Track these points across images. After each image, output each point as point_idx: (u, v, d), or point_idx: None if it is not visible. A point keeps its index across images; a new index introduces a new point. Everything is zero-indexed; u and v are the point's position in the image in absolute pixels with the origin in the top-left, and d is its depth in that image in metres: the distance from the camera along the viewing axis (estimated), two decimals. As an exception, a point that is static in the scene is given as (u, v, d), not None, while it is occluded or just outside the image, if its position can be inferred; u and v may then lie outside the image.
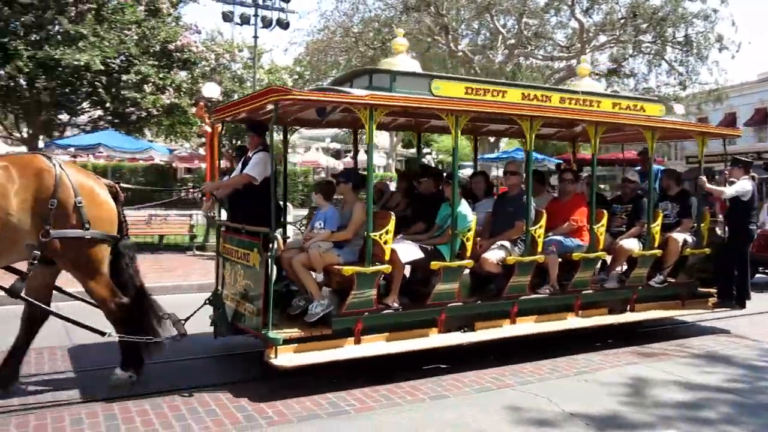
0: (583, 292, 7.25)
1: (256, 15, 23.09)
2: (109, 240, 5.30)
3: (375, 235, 5.85)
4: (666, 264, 7.83)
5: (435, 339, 6.30)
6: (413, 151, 41.75)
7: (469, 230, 6.38)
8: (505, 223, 6.86)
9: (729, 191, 7.97)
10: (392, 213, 6.01)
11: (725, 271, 8.13)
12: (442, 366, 6.23)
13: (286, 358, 5.55)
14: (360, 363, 5.81)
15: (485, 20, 23.55)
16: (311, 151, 37.63)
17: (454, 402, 5.38)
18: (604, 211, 7.32)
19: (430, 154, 45.46)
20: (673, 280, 8.04)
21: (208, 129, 7.00)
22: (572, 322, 7.14)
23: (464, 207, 6.35)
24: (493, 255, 6.60)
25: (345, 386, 5.60)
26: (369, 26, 24.48)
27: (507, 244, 6.71)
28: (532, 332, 6.81)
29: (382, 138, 40.26)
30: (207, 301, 6.23)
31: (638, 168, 9.10)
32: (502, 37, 23.07)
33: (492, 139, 22.00)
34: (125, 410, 4.95)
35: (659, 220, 7.56)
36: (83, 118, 17.82)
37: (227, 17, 22.53)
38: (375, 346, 5.99)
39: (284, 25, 23.45)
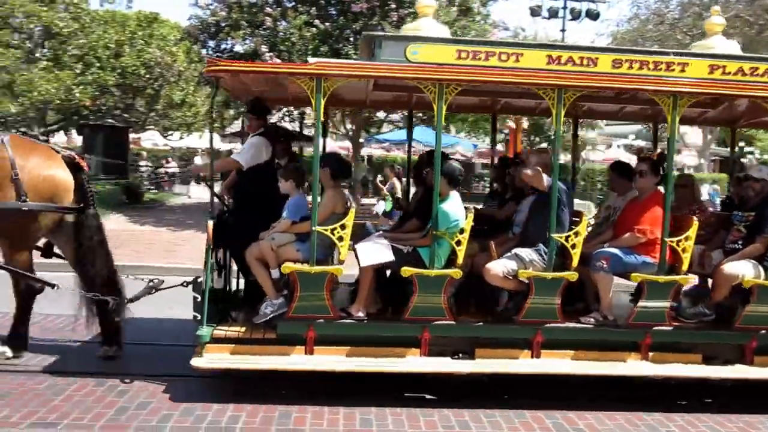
0: (655, 328, 5.27)
1: (564, 8, 22.66)
2: (55, 210, 5.32)
3: (325, 230, 4.95)
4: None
5: (413, 362, 5.12)
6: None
7: (461, 232, 5.05)
8: (537, 226, 5.31)
9: None
10: (353, 205, 5.02)
11: None
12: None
13: (212, 358, 5.01)
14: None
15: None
16: (612, 148, 35.42)
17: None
18: (694, 218, 5.22)
19: (752, 153, 38.86)
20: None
21: (512, 124, 6.70)
22: (635, 366, 5.24)
23: (451, 203, 5.03)
24: (500, 265, 5.14)
25: (603, 407, 5.06)
26: (688, 11, 21.98)
27: (525, 252, 5.18)
28: (562, 372, 5.18)
29: (693, 135, 36.02)
30: (185, 284, 5.85)
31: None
32: None
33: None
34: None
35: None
36: (396, 116, 19.32)
37: (535, 12, 22.65)
38: (330, 359, 5.09)
39: (594, 15, 22.83)
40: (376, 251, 5.07)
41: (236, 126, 24.93)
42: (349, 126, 17.91)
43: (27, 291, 5.55)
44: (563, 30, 22.63)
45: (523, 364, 5.19)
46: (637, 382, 5.40)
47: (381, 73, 4.89)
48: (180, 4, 42.84)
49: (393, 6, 13.94)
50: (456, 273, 5.04)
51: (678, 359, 5.30)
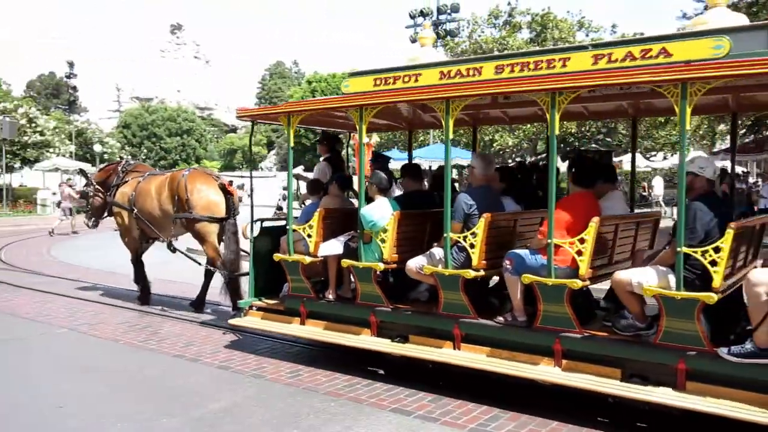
0: (564, 334, 5.03)
1: None
2: (210, 220, 8.24)
3: (298, 228, 6.49)
4: (754, 321, 4.24)
5: (364, 340, 6.18)
6: None
7: (384, 231, 5.89)
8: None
9: None
10: (322, 210, 6.40)
11: None
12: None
13: (247, 320, 7.07)
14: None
15: None
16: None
17: None
18: (594, 220, 4.81)
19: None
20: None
21: None
22: (544, 371, 5.12)
23: (370, 207, 5.91)
24: (414, 262, 5.76)
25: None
26: None
27: (439, 251, 5.66)
28: (477, 367, 5.45)
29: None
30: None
31: None
32: None
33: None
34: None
35: (725, 240, 4.28)
36: None
37: None
38: (312, 330, 6.56)
39: None
40: (331, 246, 6.34)
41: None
42: None
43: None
44: None
45: (444, 353, 5.67)
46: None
47: (320, 106, 6.21)
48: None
49: None
50: (376, 266, 5.91)
51: (591, 371, 4.94)
